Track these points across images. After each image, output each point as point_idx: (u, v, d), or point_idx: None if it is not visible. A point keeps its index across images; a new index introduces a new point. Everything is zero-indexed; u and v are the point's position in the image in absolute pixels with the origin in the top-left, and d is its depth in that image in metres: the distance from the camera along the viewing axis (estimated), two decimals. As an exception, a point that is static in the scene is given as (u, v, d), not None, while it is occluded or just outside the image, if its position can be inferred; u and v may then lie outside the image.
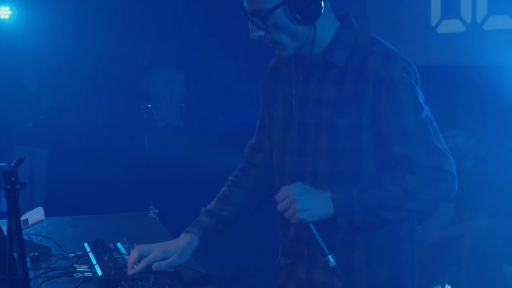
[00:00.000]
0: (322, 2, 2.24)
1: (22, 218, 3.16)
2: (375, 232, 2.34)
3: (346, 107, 2.28)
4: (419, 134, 2.25)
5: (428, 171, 2.23)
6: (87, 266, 2.67)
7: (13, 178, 1.80)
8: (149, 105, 10.46)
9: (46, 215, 3.27)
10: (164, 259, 2.47)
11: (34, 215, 3.27)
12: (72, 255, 2.85)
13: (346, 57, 2.31)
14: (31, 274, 2.57)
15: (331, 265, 2.26)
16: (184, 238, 2.54)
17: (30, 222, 3.20)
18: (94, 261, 2.66)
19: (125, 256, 2.75)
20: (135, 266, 2.45)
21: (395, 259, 2.41)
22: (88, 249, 2.83)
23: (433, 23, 6.58)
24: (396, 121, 2.23)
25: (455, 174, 2.28)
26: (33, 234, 3.14)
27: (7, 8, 9.25)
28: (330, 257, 2.26)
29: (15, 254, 1.79)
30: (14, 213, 1.80)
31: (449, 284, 5.30)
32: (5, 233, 1.84)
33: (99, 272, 2.52)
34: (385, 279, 2.39)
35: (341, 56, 2.31)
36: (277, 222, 2.56)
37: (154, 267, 2.44)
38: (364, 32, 2.40)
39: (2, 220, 2.69)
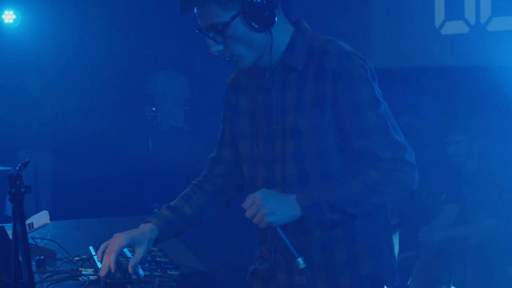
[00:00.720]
0: (275, 9, 2.27)
1: (27, 221, 3.17)
2: (351, 227, 2.35)
3: (308, 109, 2.31)
4: (378, 128, 2.27)
5: (389, 163, 2.25)
6: (93, 270, 2.68)
7: (18, 182, 1.80)
8: (154, 108, 10.47)
9: (51, 219, 3.28)
10: (129, 245, 2.43)
11: (39, 218, 3.28)
12: (77, 258, 2.86)
13: (304, 60, 2.33)
14: (37, 277, 2.57)
15: (300, 268, 2.26)
16: (144, 227, 2.51)
17: (35, 226, 3.21)
18: (99, 265, 2.67)
19: (130, 259, 2.76)
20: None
21: (376, 253, 2.42)
22: (93, 253, 2.84)
23: (437, 24, 6.57)
24: (355, 116, 2.26)
25: (415, 164, 2.29)
26: (39, 238, 3.15)
27: (12, 12, 9.26)
28: (299, 259, 2.26)
29: (20, 258, 1.80)
30: (19, 217, 1.80)
31: (455, 286, 5.29)
32: (11, 237, 1.84)
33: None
34: (368, 273, 2.40)
35: (299, 60, 2.34)
36: (254, 229, 2.56)
37: (130, 269, 2.41)
38: (318, 34, 2.41)
39: (8, 224, 2.69)
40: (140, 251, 2.43)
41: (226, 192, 2.68)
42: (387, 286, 2.49)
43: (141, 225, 2.53)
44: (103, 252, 2.41)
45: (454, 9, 6.38)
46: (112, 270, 2.36)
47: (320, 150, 2.32)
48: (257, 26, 2.26)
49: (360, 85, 2.26)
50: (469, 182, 5.34)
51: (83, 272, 2.65)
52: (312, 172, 2.34)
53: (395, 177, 2.25)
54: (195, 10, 2.33)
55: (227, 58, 2.38)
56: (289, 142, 2.36)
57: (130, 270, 2.39)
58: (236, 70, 2.57)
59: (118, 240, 2.41)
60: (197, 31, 2.36)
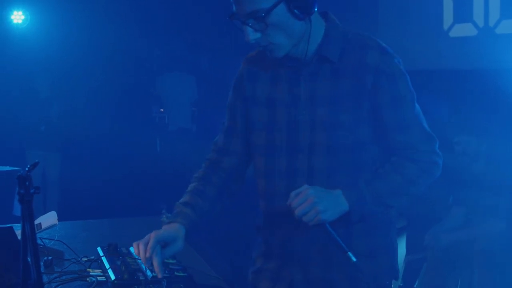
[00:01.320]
0: None
1: (36, 222, 3.18)
2: (350, 244, 2.34)
3: (346, 102, 2.32)
4: (416, 121, 2.38)
5: (425, 155, 2.38)
6: (100, 271, 2.68)
7: (27, 183, 1.81)
8: (162, 109, 10.48)
9: (59, 219, 3.28)
10: (166, 242, 2.42)
11: (47, 219, 3.29)
12: (85, 259, 2.87)
13: (340, 53, 2.34)
14: (45, 278, 2.58)
15: (352, 262, 2.29)
16: (171, 226, 2.48)
17: (43, 226, 3.22)
18: (107, 265, 2.67)
19: (138, 260, 2.76)
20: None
21: (391, 246, 2.51)
22: (101, 253, 2.84)
23: (446, 27, 6.56)
24: (397, 110, 2.33)
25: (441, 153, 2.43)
26: (47, 238, 3.16)
27: (20, 13, 9.30)
28: (350, 253, 2.29)
29: (29, 259, 1.80)
30: (28, 218, 1.81)
31: (462, 289, 5.29)
32: (19, 237, 1.85)
33: (112, 277, 2.54)
34: (388, 267, 2.49)
35: (335, 52, 2.34)
36: (260, 226, 2.58)
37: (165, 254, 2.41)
38: (351, 28, 2.43)
39: (16, 225, 2.70)
40: (177, 245, 2.43)
41: (230, 185, 2.65)
42: (385, 285, 2.53)
43: (164, 226, 2.50)
44: (145, 251, 2.37)
45: (463, 12, 6.37)
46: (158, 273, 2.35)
47: (354, 144, 2.35)
48: (299, 13, 2.24)
49: (401, 80, 2.35)
50: (476, 185, 5.33)
51: (91, 273, 2.66)
52: (343, 165, 2.36)
53: (428, 168, 2.38)
54: None
55: (261, 48, 2.36)
56: (319, 134, 2.36)
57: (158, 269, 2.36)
58: (246, 58, 2.55)
59: (156, 235, 2.40)
60: (230, 18, 2.32)
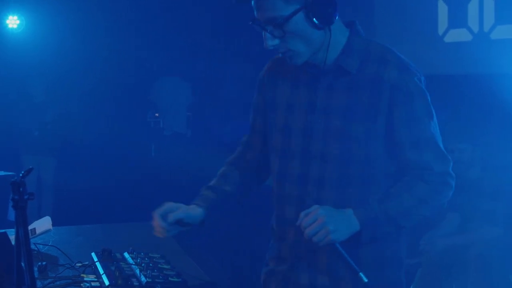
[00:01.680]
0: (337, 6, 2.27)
1: (30, 227, 3.17)
2: (357, 252, 2.34)
3: (360, 115, 2.31)
4: (431, 141, 2.34)
5: (439, 177, 2.34)
6: (94, 276, 2.68)
7: (21, 189, 1.81)
8: (157, 114, 10.47)
9: (53, 225, 3.28)
10: (182, 218, 2.52)
11: (42, 224, 3.28)
12: (80, 264, 2.86)
13: (359, 64, 2.33)
14: (39, 283, 2.57)
15: (363, 282, 2.26)
16: (189, 207, 2.57)
17: (37, 232, 3.21)
18: (101, 271, 2.67)
19: (132, 265, 2.76)
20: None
21: (377, 277, 2.39)
22: (95, 259, 2.84)
23: (440, 32, 6.57)
24: (412, 129, 2.30)
25: (454, 174, 2.40)
26: (41, 244, 3.15)
27: (16, 17, 9.28)
28: (361, 274, 2.26)
29: (22, 264, 1.80)
30: (22, 223, 1.81)
31: (456, 294, 5.29)
32: (13, 243, 1.84)
33: (106, 282, 2.53)
34: (395, 279, 2.46)
35: (354, 64, 2.33)
36: (272, 230, 2.59)
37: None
38: (373, 39, 2.43)
39: (10, 230, 2.69)
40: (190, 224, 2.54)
41: (249, 181, 2.70)
42: None
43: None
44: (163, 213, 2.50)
45: (458, 17, 6.38)
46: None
47: (367, 157, 2.34)
48: (318, 23, 2.25)
49: (418, 98, 2.32)
50: (471, 191, 5.33)
51: (85, 278, 2.65)
52: (355, 178, 2.35)
53: (441, 190, 2.35)
54: (252, 2, 2.30)
55: (281, 54, 2.37)
56: (332, 144, 2.36)
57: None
58: (272, 59, 2.57)
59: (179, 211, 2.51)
60: (250, 22, 2.32)
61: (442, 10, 6.50)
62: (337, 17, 2.30)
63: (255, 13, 2.31)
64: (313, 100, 2.39)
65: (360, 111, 2.31)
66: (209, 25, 10.12)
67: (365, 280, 2.26)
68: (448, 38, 6.52)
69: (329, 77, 2.37)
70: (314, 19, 2.24)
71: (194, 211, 2.53)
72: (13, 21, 9.29)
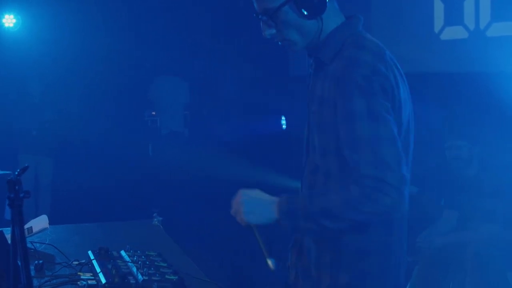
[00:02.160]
0: None
1: (27, 226, 3.17)
2: (339, 240, 2.35)
3: (320, 104, 2.35)
4: (367, 142, 2.20)
5: (370, 181, 2.17)
6: (91, 274, 2.68)
7: (17, 187, 1.81)
8: (153, 113, 10.47)
9: (50, 223, 3.28)
10: None
11: (39, 223, 3.28)
12: (76, 263, 2.86)
13: (332, 55, 2.35)
14: (35, 282, 2.58)
15: (271, 269, 2.32)
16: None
17: (34, 230, 3.21)
18: (98, 269, 2.67)
19: (129, 263, 2.76)
20: None
21: (358, 268, 2.37)
22: (92, 257, 2.84)
23: (436, 29, 6.58)
24: (348, 125, 2.23)
25: (402, 190, 2.19)
26: (38, 242, 3.15)
27: (12, 16, 9.27)
28: (271, 260, 2.33)
29: (19, 262, 1.80)
30: (18, 222, 1.81)
31: (454, 292, 5.29)
32: (9, 241, 1.85)
33: (103, 280, 2.54)
34: (344, 283, 2.37)
35: (328, 54, 2.36)
36: None
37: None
38: (362, 33, 2.42)
39: (7, 229, 2.69)
40: None
41: None
42: None
43: None
44: None
45: (454, 15, 6.39)
46: None
47: (324, 148, 2.36)
48: (306, 13, 2.33)
49: (358, 95, 2.21)
50: (468, 189, 5.34)
51: (81, 277, 2.65)
52: (319, 167, 2.38)
53: (375, 197, 2.16)
54: None
55: (279, 43, 2.45)
56: (312, 136, 2.42)
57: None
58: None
59: None
60: (254, 14, 2.43)
61: (438, 8, 6.50)
62: (328, 7, 2.35)
63: (254, 5, 2.42)
64: (310, 90, 2.47)
65: (326, 101, 2.32)
66: (206, 24, 10.13)
67: (272, 268, 2.32)
68: (444, 36, 6.52)
69: (316, 68, 2.45)
70: (302, 10, 2.32)
71: None
72: (9, 20, 9.28)
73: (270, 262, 2.32)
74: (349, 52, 2.29)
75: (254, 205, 2.34)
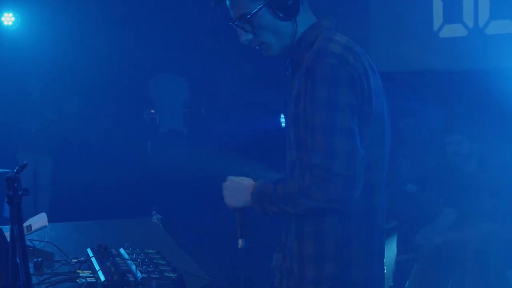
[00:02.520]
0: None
1: (26, 224, 3.18)
2: (322, 224, 2.40)
3: (294, 101, 2.44)
4: (321, 129, 2.28)
5: (318, 169, 2.26)
6: (90, 272, 2.69)
7: (15, 184, 1.81)
8: (153, 111, 10.47)
9: (49, 221, 3.28)
10: None
11: (38, 221, 3.28)
12: (75, 260, 2.87)
13: (305, 54, 2.42)
14: (34, 279, 2.58)
15: (239, 247, 2.54)
16: None
17: (33, 228, 3.21)
18: (97, 267, 2.68)
19: (128, 261, 2.77)
20: None
21: (343, 256, 2.40)
22: (91, 255, 2.84)
23: (435, 27, 6.58)
24: (310, 111, 2.33)
25: (351, 180, 2.26)
26: (37, 240, 3.16)
27: (11, 14, 9.26)
28: (242, 240, 2.55)
29: (18, 260, 1.80)
30: (16, 219, 1.81)
31: (453, 289, 5.30)
32: (9, 239, 1.85)
33: (102, 278, 2.54)
34: (330, 274, 2.40)
35: (301, 53, 2.45)
36: None
37: None
38: (332, 33, 2.47)
39: (5, 226, 2.69)
40: None
41: None
42: None
43: None
44: None
45: (453, 12, 6.39)
46: None
47: (297, 141, 2.43)
48: (282, 15, 2.43)
49: (321, 84, 2.29)
50: (468, 187, 5.34)
51: (80, 274, 2.65)
52: (296, 161, 2.46)
53: (323, 185, 2.25)
54: (227, 2, 2.51)
55: (257, 47, 2.54)
56: (287, 131, 2.52)
57: None
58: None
59: None
60: (230, 23, 2.52)
61: (437, 6, 6.51)
62: (303, 10, 2.45)
63: (230, 13, 2.51)
64: (289, 92, 2.54)
65: (295, 98, 2.43)
66: (206, 22, 10.12)
67: (242, 245, 2.54)
68: (443, 34, 6.53)
69: (293, 69, 2.53)
70: (278, 12, 2.42)
71: None
72: (8, 19, 9.27)
73: (240, 241, 2.54)
74: (317, 46, 2.39)
75: (233, 189, 2.52)
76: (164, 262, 2.80)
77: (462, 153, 5.36)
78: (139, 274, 2.57)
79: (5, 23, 9.27)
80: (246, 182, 2.51)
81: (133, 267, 2.67)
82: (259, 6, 2.42)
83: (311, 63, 2.33)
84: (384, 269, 2.56)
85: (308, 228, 2.43)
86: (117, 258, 2.81)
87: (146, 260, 2.79)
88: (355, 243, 2.41)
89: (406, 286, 5.44)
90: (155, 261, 2.81)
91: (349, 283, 2.42)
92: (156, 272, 2.61)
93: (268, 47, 2.51)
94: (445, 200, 5.60)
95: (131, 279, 2.53)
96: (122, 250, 2.95)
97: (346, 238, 2.40)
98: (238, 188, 2.51)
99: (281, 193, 2.36)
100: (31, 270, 2.65)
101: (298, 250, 2.45)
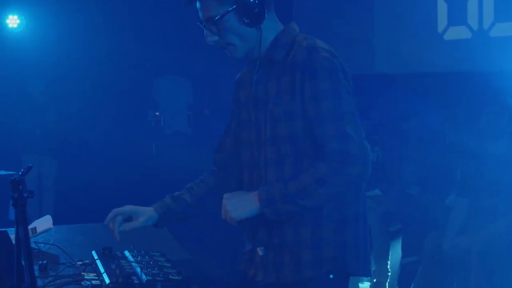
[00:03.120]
0: (266, 8, 2.54)
1: (31, 226, 3.18)
2: (320, 211, 2.50)
3: (282, 96, 2.52)
4: (331, 117, 2.44)
5: (334, 154, 2.40)
6: (95, 274, 2.69)
7: (21, 187, 1.82)
8: (157, 113, 10.48)
9: (54, 223, 3.28)
10: (130, 216, 2.88)
11: (43, 223, 3.28)
12: (80, 263, 2.87)
13: (285, 53, 2.57)
14: (39, 282, 2.58)
15: (260, 254, 2.57)
16: (144, 208, 2.91)
17: (38, 230, 3.22)
18: (101, 269, 2.68)
19: (133, 263, 2.77)
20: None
21: (340, 239, 2.53)
22: (96, 257, 2.84)
23: (440, 30, 6.58)
24: (315, 105, 2.46)
25: (366, 158, 2.42)
26: (41, 242, 3.16)
27: (16, 17, 9.28)
28: (259, 248, 2.58)
29: (23, 262, 1.80)
30: (22, 222, 1.81)
31: (458, 291, 5.29)
32: (13, 241, 1.85)
33: (107, 280, 2.54)
34: (331, 256, 2.52)
35: (281, 53, 2.58)
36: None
37: (125, 226, 2.82)
38: (304, 34, 2.62)
39: (11, 229, 2.70)
40: (137, 221, 2.84)
41: (226, 183, 2.86)
42: (349, 272, 2.57)
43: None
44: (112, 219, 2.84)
45: (457, 15, 6.39)
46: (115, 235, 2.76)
47: (291, 135, 2.51)
48: (247, 21, 2.54)
49: (323, 76, 2.45)
50: (472, 188, 5.33)
51: (85, 277, 2.66)
52: (286, 155, 2.54)
53: (340, 169, 2.40)
54: (197, 4, 2.61)
55: (223, 48, 2.65)
56: (269, 129, 2.58)
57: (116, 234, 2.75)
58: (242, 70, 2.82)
59: (122, 208, 2.92)
60: (198, 23, 2.63)
61: (442, 8, 6.51)
62: (267, 17, 2.55)
63: (199, 14, 2.63)
64: (257, 93, 2.64)
65: (283, 94, 2.53)
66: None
67: (261, 254, 2.56)
68: (447, 36, 6.53)
69: (265, 69, 2.61)
70: (244, 19, 2.53)
71: (142, 210, 2.90)
72: (13, 21, 9.29)
73: (259, 249, 2.58)
74: (305, 43, 2.52)
75: (236, 202, 2.52)
76: (169, 265, 2.80)
77: (465, 154, 5.36)
78: (144, 277, 2.57)
79: (10, 25, 9.29)
80: (248, 193, 2.56)
81: (138, 269, 2.68)
82: (226, 10, 2.52)
83: (306, 58, 2.47)
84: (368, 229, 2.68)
85: (307, 216, 2.51)
86: (122, 261, 2.81)
87: (151, 262, 2.79)
88: (349, 227, 2.55)
89: (411, 288, 5.43)
90: (160, 263, 2.81)
91: (346, 264, 2.55)
92: (161, 275, 2.61)
93: (233, 49, 2.62)
94: (458, 191, 5.54)
95: (136, 281, 2.53)
96: (127, 253, 2.96)
97: (342, 222, 2.53)
98: (241, 199, 2.54)
99: (295, 189, 2.42)
100: (36, 273, 2.65)
101: (293, 238, 2.53)
